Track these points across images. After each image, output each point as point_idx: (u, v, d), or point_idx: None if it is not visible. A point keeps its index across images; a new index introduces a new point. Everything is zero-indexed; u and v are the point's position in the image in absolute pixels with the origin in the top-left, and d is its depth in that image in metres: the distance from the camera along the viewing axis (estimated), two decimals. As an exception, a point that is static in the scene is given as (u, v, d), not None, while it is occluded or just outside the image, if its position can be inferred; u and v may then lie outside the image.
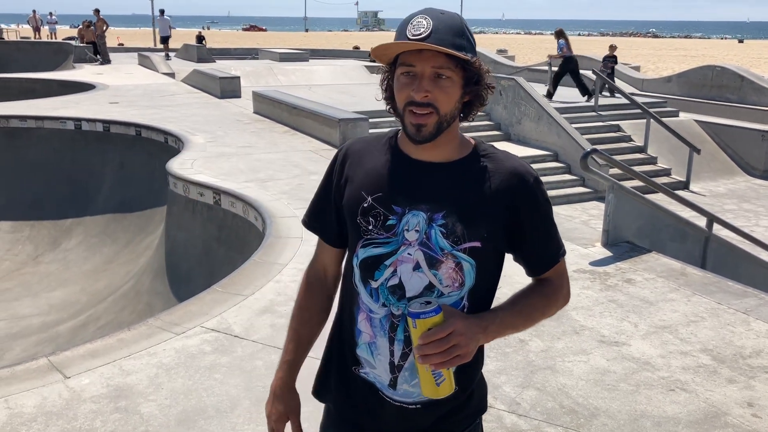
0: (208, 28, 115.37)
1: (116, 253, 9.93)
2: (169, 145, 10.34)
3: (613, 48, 17.63)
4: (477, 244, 1.48)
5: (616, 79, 16.72)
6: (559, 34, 15.08)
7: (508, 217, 1.50)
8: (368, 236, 1.51)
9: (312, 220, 1.71)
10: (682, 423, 3.19)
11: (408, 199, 1.49)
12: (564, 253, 1.62)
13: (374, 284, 1.52)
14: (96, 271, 9.64)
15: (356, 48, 37.36)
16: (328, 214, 1.64)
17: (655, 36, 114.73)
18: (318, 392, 1.74)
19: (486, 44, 41.61)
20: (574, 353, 3.86)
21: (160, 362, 3.70)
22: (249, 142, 10.04)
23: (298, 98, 12.31)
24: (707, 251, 6.07)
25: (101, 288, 9.08)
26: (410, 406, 1.56)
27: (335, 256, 1.69)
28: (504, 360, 3.74)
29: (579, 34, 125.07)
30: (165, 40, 25.45)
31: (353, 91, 16.15)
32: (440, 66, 1.42)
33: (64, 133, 11.67)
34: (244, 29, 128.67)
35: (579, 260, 5.36)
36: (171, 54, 25.02)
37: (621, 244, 5.64)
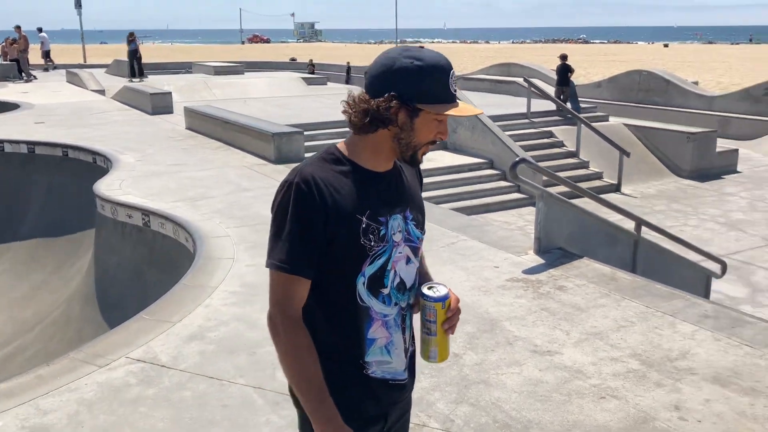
0: (142, 43, 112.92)
1: (44, 279, 9.54)
2: (97, 165, 10.02)
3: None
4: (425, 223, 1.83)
5: (543, 85, 17.06)
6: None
7: None
8: (372, 252, 1.65)
9: (308, 267, 1.62)
10: (612, 431, 3.22)
11: (387, 208, 1.68)
12: None
13: (386, 291, 1.69)
14: (24, 299, 9.24)
15: (293, 60, 37.16)
16: (316, 254, 1.62)
17: (586, 42, 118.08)
18: (347, 420, 1.66)
19: (422, 53, 41.85)
20: (507, 365, 3.86)
21: (81, 398, 3.53)
22: (180, 160, 9.80)
23: (232, 113, 12.12)
24: (637, 255, 6.20)
25: (29, 316, 8.70)
26: (408, 380, 1.82)
27: (308, 288, 1.67)
28: (438, 376, 3.72)
29: (512, 42, 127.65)
30: (47, 54, 27.85)
31: (289, 103, 16.03)
32: None
33: (-14, 156, 11.17)
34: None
35: (512, 269, 5.40)
36: (50, 67, 27.50)
37: (553, 251, 5.71)
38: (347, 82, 28.29)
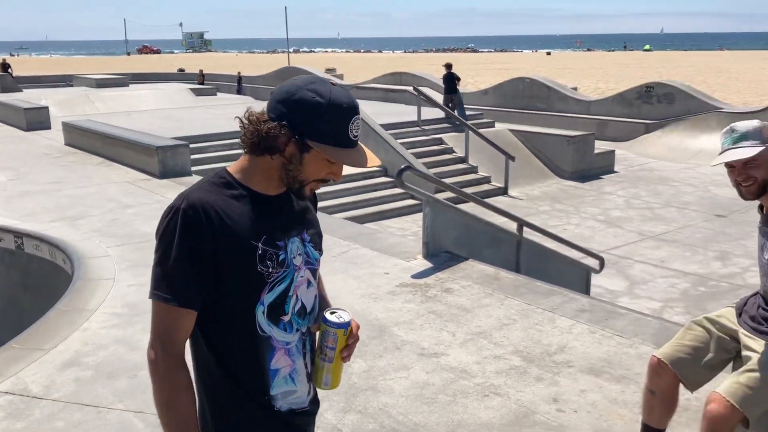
0: (17, 55, 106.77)
1: None
2: (-36, 186, 9.33)
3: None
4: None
5: (433, 93, 17.49)
6: None
7: None
8: (271, 279, 1.58)
9: (195, 299, 1.53)
10: (495, 427, 3.32)
11: (283, 231, 1.62)
12: None
13: (286, 318, 1.62)
14: None
15: (181, 70, 36.24)
16: (205, 283, 1.53)
17: (474, 51, 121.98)
18: None
19: (316, 63, 42.01)
20: (395, 370, 3.90)
21: (-61, 439, 3.26)
22: (58, 177, 9.30)
23: (114, 127, 11.64)
24: (520, 254, 6.44)
25: None
26: (311, 407, 1.74)
27: (194, 320, 1.57)
28: (326, 386, 3.69)
29: (405, 51, 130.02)
30: None
31: (177, 115, 15.57)
32: None
33: None
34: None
35: (402, 274, 5.47)
36: None
37: (441, 255, 5.84)
38: (239, 92, 27.92)
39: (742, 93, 28.51)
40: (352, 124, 1.53)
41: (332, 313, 1.67)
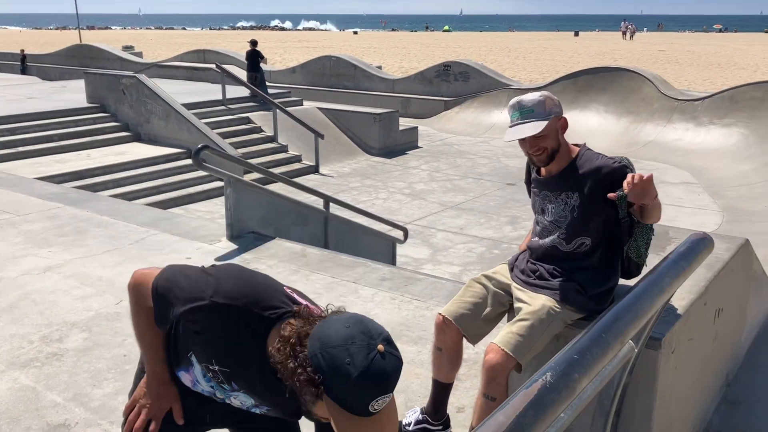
0: None
1: None
2: None
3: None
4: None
5: (238, 71, 17.16)
6: None
7: None
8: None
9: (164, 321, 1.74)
10: (299, 400, 3.36)
11: (247, 388, 1.70)
12: None
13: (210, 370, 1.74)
14: None
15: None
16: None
17: (283, 29, 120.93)
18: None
19: (112, 41, 39.25)
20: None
21: None
22: None
23: None
24: (328, 230, 6.55)
25: None
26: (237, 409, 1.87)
27: None
28: (124, 379, 3.52)
29: (210, 28, 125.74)
30: None
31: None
32: None
33: None
34: None
35: (204, 257, 5.32)
36: None
37: (246, 236, 5.76)
38: (23, 72, 25.48)
39: (527, 70, 31.12)
40: (376, 401, 1.39)
41: None
